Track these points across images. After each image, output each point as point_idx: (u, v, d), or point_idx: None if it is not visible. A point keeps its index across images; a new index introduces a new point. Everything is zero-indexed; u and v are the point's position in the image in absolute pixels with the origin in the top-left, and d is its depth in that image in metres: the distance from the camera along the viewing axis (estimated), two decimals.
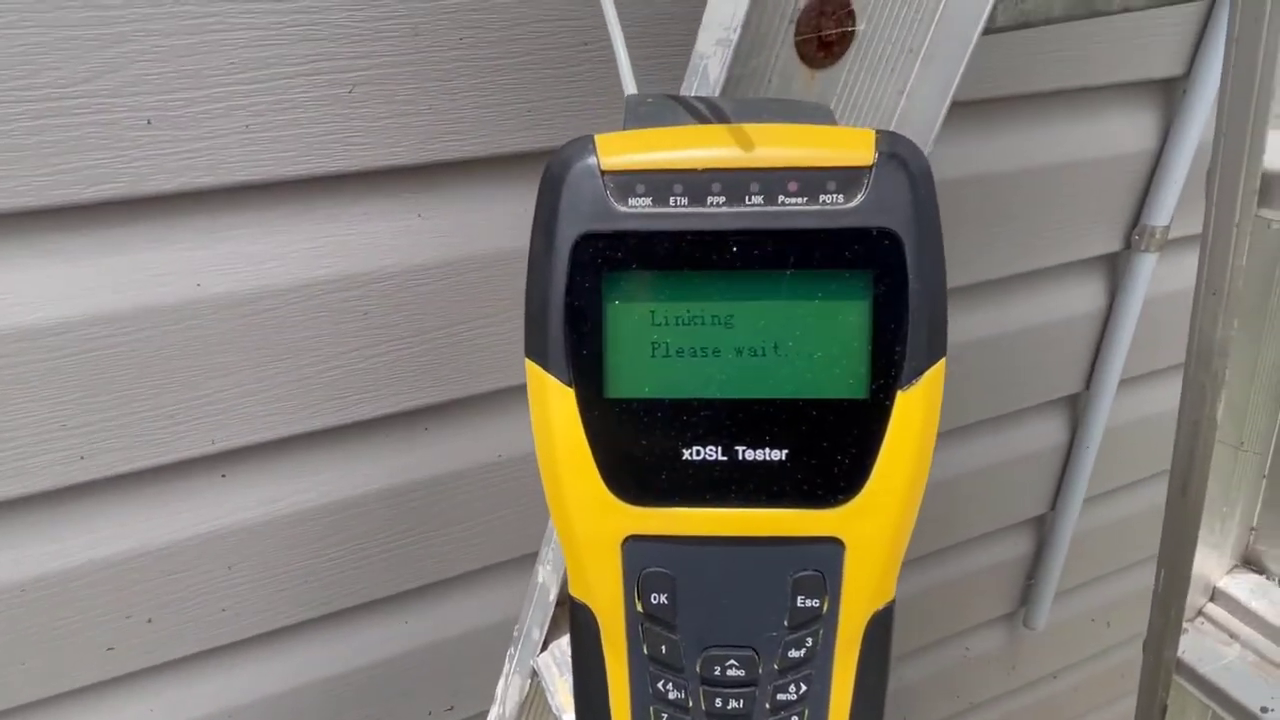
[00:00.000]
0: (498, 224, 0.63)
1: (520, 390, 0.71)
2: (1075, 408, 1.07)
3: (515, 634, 0.48)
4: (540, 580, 0.45)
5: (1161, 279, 0.97)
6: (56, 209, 0.52)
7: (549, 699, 0.43)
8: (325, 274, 0.60)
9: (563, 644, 0.45)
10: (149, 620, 0.66)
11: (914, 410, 0.27)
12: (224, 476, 0.65)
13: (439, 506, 0.72)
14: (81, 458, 0.59)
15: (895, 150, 0.26)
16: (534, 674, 0.46)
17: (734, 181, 0.26)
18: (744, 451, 0.27)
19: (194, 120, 0.52)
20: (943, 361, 0.27)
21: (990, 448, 1.03)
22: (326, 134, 0.56)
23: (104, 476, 0.60)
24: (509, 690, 0.49)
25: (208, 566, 0.66)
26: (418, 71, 0.56)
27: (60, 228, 0.53)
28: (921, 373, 0.26)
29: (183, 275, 0.56)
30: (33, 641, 0.63)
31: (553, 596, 0.43)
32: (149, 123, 0.51)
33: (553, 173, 0.26)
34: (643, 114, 0.30)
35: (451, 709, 0.83)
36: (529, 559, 0.78)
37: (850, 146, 0.26)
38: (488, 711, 0.85)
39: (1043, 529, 1.15)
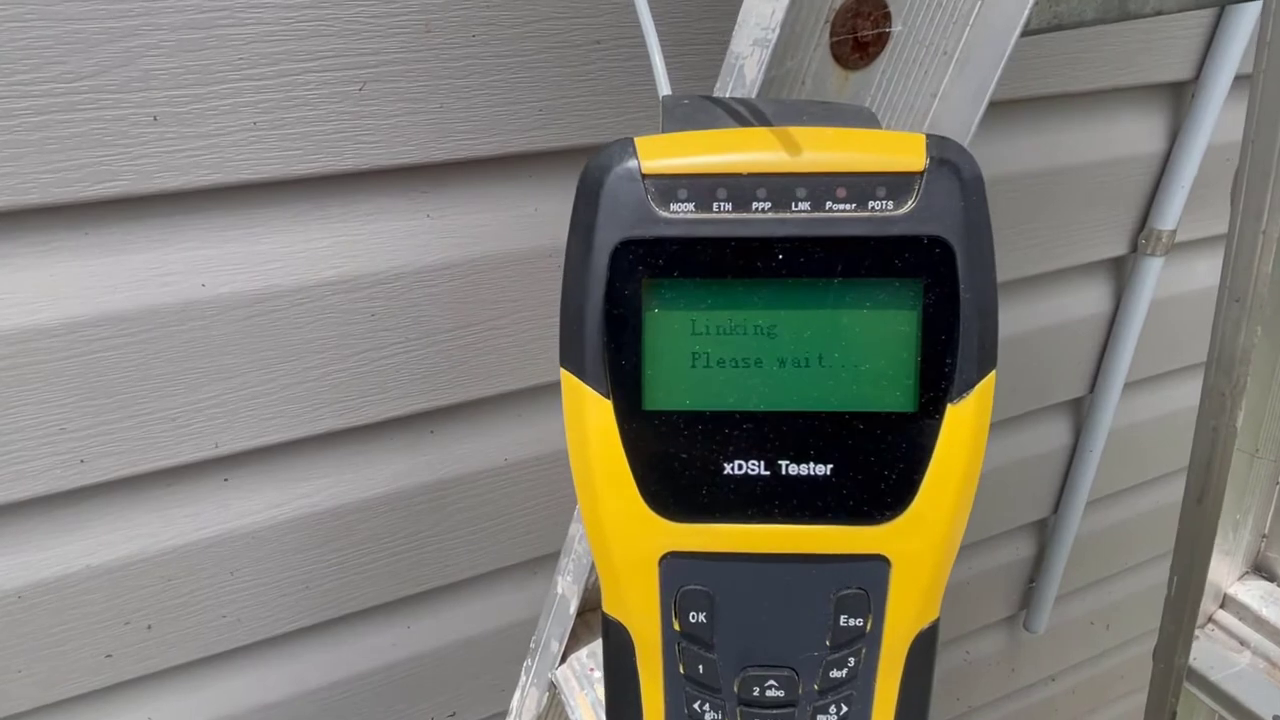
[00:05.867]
0: (507, 224, 0.62)
1: (527, 394, 0.70)
2: (1079, 411, 1.06)
3: (532, 646, 0.47)
4: (559, 592, 0.44)
5: (1167, 283, 0.97)
6: (60, 206, 0.51)
7: (569, 713, 0.42)
8: (332, 274, 0.59)
9: (582, 656, 0.44)
10: (148, 627, 0.65)
11: (964, 424, 0.26)
12: (226, 481, 0.64)
13: (444, 511, 0.71)
14: (82, 461, 0.58)
15: (947, 156, 0.25)
16: (552, 686, 0.45)
17: (780, 187, 0.25)
18: (787, 466, 0.26)
19: (201, 117, 0.51)
20: (993, 374, 0.26)
21: (994, 451, 1.02)
22: (335, 132, 0.55)
23: (104, 480, 0.59)
24: (525, 703, 0.48)
25: (209, 572, 0.65)
26: (429, 69, 0.55)
27: (63, 226, 0.52)
28: (972, 386, 0.26)
29: (187, 275, 0.55)
30: (30, 648, 0.62)
31: (572, 609, 0.43)
32: (155, 119, 0.50)
33: (592, 176, 0.25)
34: (680, 115, 0.29)
35: (453, 715, 0.82)
36: (533, 564, 0.77)
37: (901, 152, 0.25)
38: (488, 718, 0.84)
39: (1045, 532, 1.15)
